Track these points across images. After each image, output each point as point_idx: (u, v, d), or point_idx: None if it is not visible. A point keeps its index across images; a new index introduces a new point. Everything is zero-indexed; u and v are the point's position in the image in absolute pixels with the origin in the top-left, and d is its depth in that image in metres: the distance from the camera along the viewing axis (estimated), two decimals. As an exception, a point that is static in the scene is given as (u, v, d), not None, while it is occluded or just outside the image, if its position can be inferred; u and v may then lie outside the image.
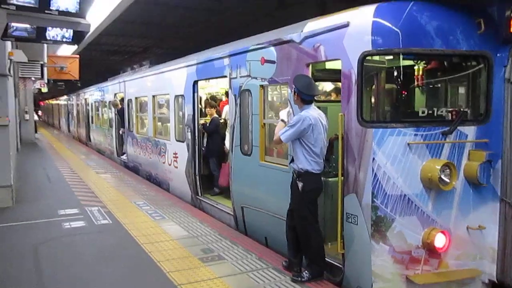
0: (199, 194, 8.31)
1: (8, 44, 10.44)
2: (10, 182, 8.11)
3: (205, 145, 8.46)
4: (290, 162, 4.76)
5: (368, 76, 4.32)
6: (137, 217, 7.32)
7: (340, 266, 4.73)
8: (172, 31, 18.16)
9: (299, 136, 4.44)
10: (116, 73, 16.76)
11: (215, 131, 8.31)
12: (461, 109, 4.42)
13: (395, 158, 4.19)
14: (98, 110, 17.58)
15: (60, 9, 5.63)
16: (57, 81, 24.80)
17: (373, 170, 4.21)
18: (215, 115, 8.48)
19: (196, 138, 8.20)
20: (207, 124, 8.40)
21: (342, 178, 4.56)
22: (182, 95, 8.60)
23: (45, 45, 11.84)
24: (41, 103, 49.07)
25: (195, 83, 8.10)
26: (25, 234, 6.45)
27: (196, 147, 8.23)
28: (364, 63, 4.24)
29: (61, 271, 5.00)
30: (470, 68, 4.46)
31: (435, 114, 4.33)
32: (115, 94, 14.30)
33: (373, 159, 4.20)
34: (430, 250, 4.28)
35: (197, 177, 8.29)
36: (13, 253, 5.62)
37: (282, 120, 4.72)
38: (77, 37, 6.78)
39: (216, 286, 4.57)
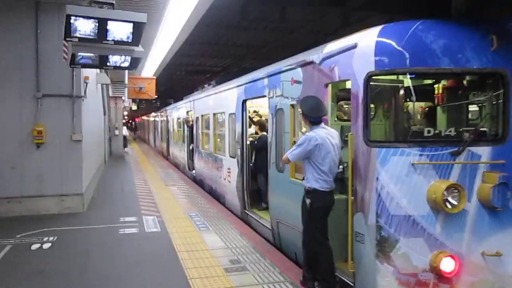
0: (247, 208, 8.64)
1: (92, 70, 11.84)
2: (82, 191, 9.13)
3: (253, 161, 8.80)
4: (302, 180, 4.90)
5: (373, 96, 4.35)
6: (185, 227, 7.85)
7: (352, 284, 4.74)
8: (247, 51, 19.03)
9: (306, 156, 4.59)
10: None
11: (262, 148, 8.60)
12: (473, 129, 4.24)
13: (398, 178, 4.15)
14: (174, 126, 18.86)
15: (116, 39, 6.38)
16: (147, 100, 26.96)
17: (377, 190, 4.22)
18: (264, 133, 8.79)
19: (245, 154, 8.59)
20: (255, 142, 8.74)
21: (352, 198, 4.60)
22: (234, 113, 9.07)
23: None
24: (136, 120, 53.42)
25: (244, 102, 8.53)
26: (85, 237, 7.29)
27: (245, 163, 8.60)
28: (370, 83, 4.30)
29: (97, 269, 5.67)
30: (483, 86, 4.28)
31: (443, 134, 4.22)
32: (187, 112, 15.31)
33: (377, 178, 4.21)
34: (438, 274, 4.14)
35: (245, 192, 8.64)
36: (70, 252, 6.44)
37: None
38: (134, 63, 7.57)
39: (228, 295, 4.86)
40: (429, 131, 4.22)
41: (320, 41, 16.29)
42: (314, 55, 5.46)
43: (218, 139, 11.21)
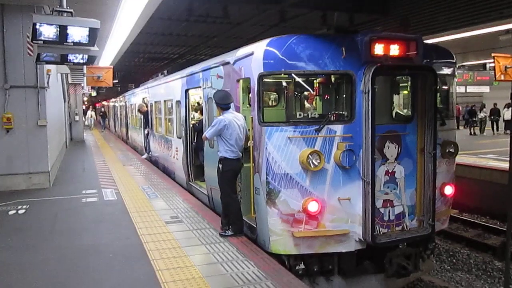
0: (191, 180, 10.34)
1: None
2: (48, 169, 10.56)
3: (195, 141, 10.47)
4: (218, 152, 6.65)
5: (264, 90, 6.10)
6: (137, 196, 9.48)
7: (255, 226, 6.55)
8: (200, 41, 20.44)
9: (218, 133, 6.33)
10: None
11: (201, 129, 10.26)
12: (329, 114, 6.08)
13: (279, 147, 5.94)
14: (132, 112, 20.21)
15: (75, 41, 7.81)
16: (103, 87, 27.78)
17: (266, 156, 6.00)
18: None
19: (188, 135, 10.25)
20: (197, 124, 10.40)
21: (253, 164, 6.38)
22: (179, 101, 10.68)
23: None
24: (97, 105, 53.66)
25: (186, 91, 10.15)
26: (53, 205, 8.83)
27: (188, 142, 10.27)
28: (261, 81, 6.04)
29: (65, 225, 7.31)
30: (337, 83, 6.12)
31: (310, 117, 6.04)
32: (143, 98, 16.73)
33: (266, 148, 5.99)
34: (308, 214, 5.98)
35: (189, 167, 10.33)
36: (41, 215, 8.00)
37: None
38: (90, 59, 9.02)
39: (165, 235, 6.61)
40: (300, 114, 6.03)
41: (265, 33, 17.95)
42: (230, 57, 7.15)
43: (169, 123, 12.79)
